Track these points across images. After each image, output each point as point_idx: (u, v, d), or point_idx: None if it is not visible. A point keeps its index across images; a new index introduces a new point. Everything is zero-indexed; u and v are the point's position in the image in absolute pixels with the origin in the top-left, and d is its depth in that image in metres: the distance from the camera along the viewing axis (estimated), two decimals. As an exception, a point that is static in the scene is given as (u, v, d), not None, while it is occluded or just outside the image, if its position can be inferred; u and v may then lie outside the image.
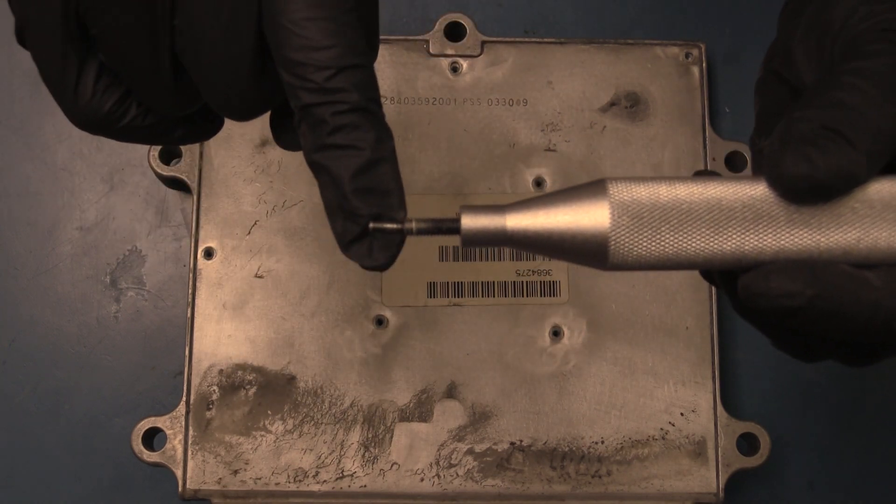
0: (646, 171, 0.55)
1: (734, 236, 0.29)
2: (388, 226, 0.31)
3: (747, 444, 0.52)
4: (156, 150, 0.53)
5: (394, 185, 0.31)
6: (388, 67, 0.55)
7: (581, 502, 0.51)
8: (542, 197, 0.30)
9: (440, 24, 0.56)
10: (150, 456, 0.50)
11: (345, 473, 0.51)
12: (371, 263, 0.32)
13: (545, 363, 0.52)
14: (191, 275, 0.52)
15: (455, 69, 0.56)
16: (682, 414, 0.52)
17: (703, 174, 0.32)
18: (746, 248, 0.29)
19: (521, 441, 0.51)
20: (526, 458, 0.51)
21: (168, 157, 0.54)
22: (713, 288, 0.53)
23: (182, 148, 0.53)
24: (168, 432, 0.50)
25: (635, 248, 0.29)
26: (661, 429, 0.52)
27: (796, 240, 0.29)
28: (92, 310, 0.56)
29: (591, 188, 0.29)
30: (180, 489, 0.50)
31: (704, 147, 0.55)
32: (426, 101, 0.55)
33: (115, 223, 0.57)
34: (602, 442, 0.51)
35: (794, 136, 0.29)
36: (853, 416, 0.56)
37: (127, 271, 0.56)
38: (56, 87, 0.33)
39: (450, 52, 0.56)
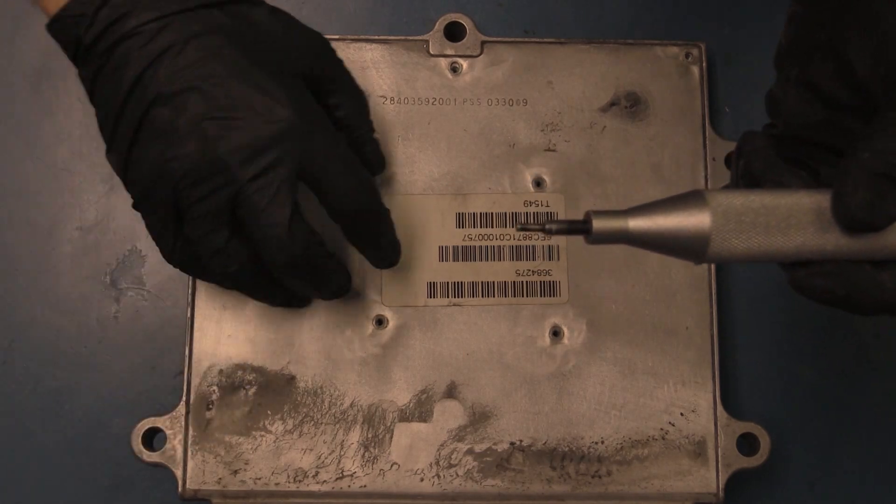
0: (645, 171, 0.55)
1: (799, 237, 0.36)
2: (532, 227, 0.37)
3: (747, 444, 0.52)
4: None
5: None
6: (388, 67, 0.55)
7: (581, 502, 0.51)
8: (654, 204, 0.36)
9: (440, 24, 0.56)
10: (150, 456, 0.50)
11: (345, 473, 0.51)
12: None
13: (545, 363, 0.52)
14: (191, 275, 0.52)
15: (455, 69, 0.56)
16: (682, 414, 0.52)
17: (752, 139, 0.39)
18: (808, 249, 0.36)
19: (521, 441, 0.51)
20: (526, 458, 0.51)
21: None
22: (713, 288, 0.53)
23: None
24: (168, 432, 0.50)
25: (727, 246, 0.36)
26: (661, 429, 0.52)
27: (846, 245, 0.36)
28: (92, 310, 0.56)
29: (693, 197, 0.36)
30: (180, 489, 0.50)
31: (704, 147, 0.55)
32: (426, 101, 0.55)
33: (115, 223, 0.57)
34: (602, 442, 0.51)
35: (860, 179, 0.34)
36: (853, 416, 0.56)
37: (127, 271, 0.56)
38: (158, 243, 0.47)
39: (450, 52, 0.56)
